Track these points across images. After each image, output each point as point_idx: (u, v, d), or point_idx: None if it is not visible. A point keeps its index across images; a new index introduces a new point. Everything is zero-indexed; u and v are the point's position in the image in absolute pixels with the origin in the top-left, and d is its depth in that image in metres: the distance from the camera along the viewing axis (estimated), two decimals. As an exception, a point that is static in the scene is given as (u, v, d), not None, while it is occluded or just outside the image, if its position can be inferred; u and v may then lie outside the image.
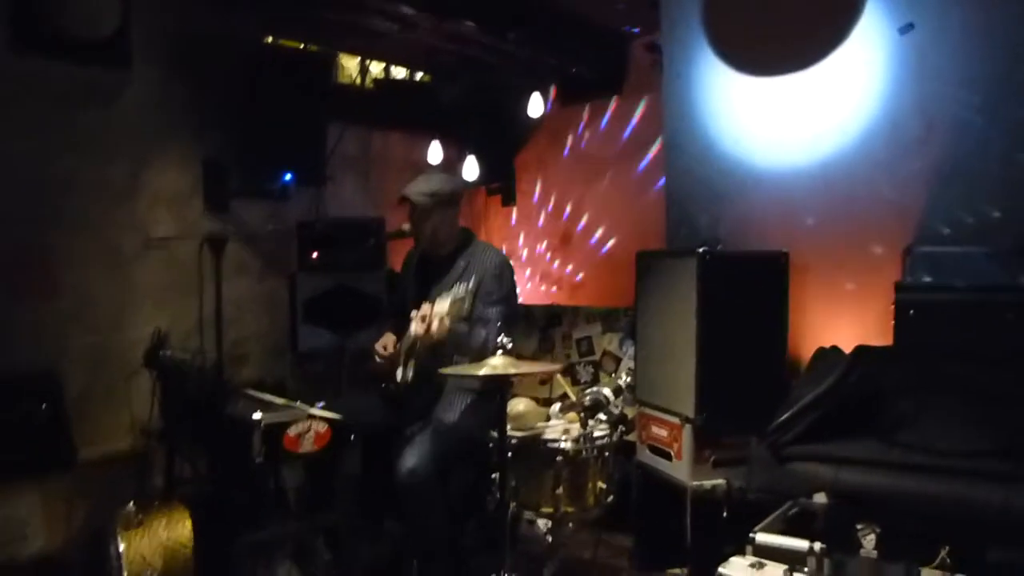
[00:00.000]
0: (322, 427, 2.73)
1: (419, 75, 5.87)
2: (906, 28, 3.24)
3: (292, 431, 2.67)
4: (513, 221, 6.14)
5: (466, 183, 4.32)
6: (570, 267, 5.77)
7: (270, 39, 4.82)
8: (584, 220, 5.67)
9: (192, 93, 4.35)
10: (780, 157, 3.57)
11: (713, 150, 3.77)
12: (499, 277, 3.41)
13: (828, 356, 3.13)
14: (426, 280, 3.53)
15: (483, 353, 3.13)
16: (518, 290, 3.62)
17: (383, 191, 5.40)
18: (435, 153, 5.34)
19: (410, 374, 3.38)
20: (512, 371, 2.77)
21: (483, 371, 2.77)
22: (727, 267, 3.22)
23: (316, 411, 2.85)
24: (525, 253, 6.02)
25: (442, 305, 2.99)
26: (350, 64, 5.53)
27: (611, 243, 5.49)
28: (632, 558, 3.60)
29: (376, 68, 5.65)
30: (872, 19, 3.30)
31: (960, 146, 3.07)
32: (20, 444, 3.30)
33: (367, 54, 5.46)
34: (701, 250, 3.13)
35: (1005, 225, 2.96)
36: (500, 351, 2.85)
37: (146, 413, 3.78)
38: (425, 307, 3.05)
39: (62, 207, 3.89)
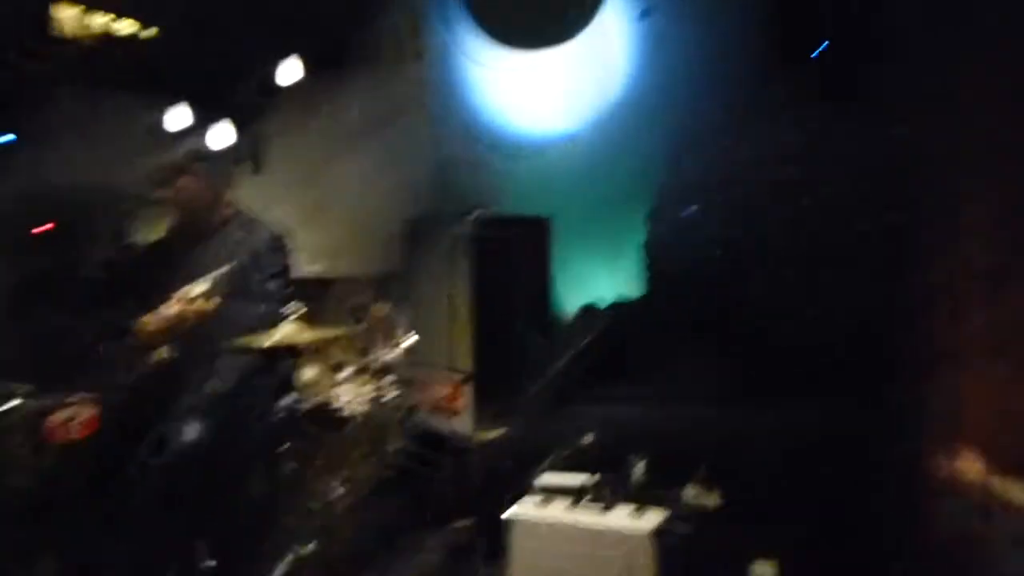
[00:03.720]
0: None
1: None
2: (644, 14, 3.60)
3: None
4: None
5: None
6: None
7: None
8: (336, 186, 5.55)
9: None
10: (539, 128, 3.80)
11: (477, 119, 3.91)
12: (278, 250, 3.24)
13: (589, 312, 3.45)
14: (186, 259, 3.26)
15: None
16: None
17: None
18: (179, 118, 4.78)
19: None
20: (300, 339, 2.69)
21: (269, 341, 2.66)
22: (496, 233, 3.39)
23: None
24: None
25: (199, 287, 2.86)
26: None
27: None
28: (415, 515, 3.68)
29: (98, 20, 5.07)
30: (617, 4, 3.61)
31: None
32: None
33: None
34: (473, 216, 3.27)
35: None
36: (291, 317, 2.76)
37: None
38: (183, 290, 2.88)
39: None
